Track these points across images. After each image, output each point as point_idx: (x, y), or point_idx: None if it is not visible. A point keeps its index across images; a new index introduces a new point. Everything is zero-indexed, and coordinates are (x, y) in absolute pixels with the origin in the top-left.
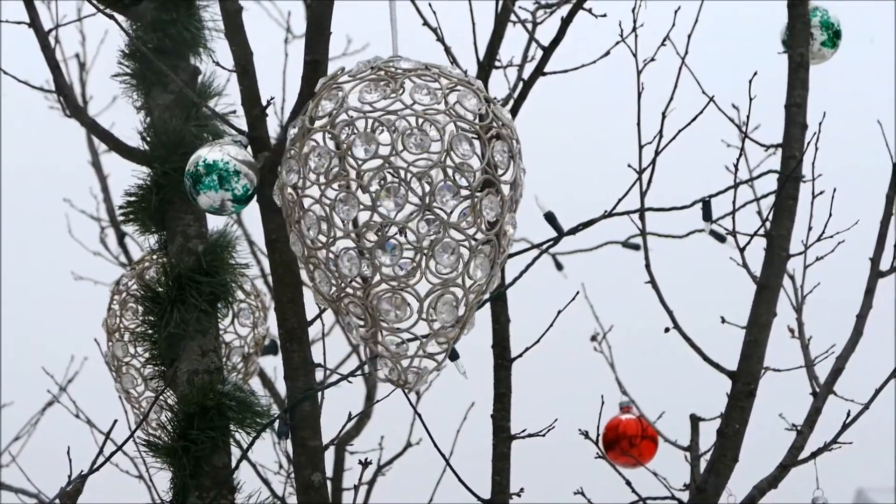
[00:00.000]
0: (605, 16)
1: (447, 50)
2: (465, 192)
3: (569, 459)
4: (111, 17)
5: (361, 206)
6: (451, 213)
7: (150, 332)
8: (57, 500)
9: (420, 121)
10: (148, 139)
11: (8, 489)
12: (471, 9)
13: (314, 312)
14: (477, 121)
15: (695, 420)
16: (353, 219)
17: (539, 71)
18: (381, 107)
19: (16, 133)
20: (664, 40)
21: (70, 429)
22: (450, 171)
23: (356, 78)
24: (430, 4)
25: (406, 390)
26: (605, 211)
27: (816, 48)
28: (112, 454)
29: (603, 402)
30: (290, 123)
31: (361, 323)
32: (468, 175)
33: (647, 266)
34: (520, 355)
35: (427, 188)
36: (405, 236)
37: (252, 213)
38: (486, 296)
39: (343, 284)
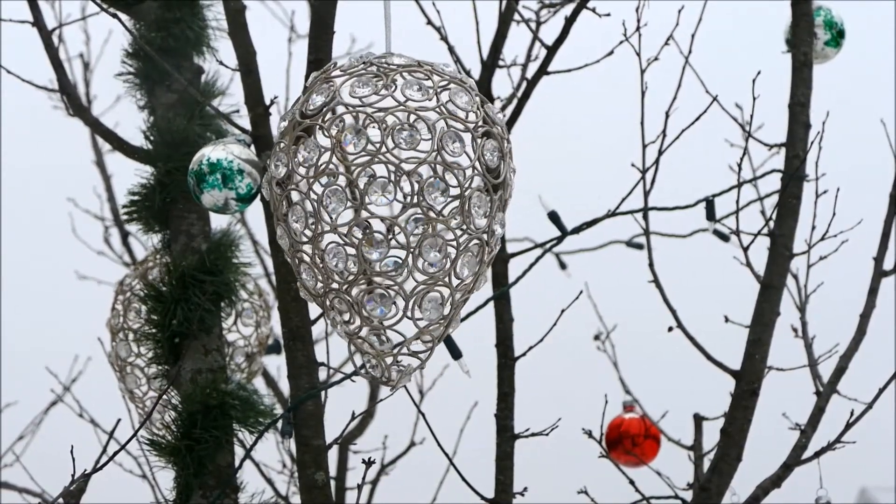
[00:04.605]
0: (608, 15)
1: (451, 49)
2: (454, 191)
3: (572, 459)
4: (115, 16)
5: (349, 202)
6: (441, 210)
7: (153, 331)
8: (60, 500)
9: (411, 118)
10: (151, 138)
11: (11, 488)
12: (474, 8)
13: (317, 311)
14: (468, 118)
15: (698, 419)
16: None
17: (542, 70)
18: (371, 102)
19: (19, 132)
20: (668, 40)
21: (73, 428)
22: (440, 169)
23: (347, 73)
24: (433, 3)
25: (389, 387)
26: (609, 210)
27: (820, 48)
28: (115, 453)
29: (606, 402)
30: (282, 118)
31: (346, 318)
32: (458, 172)
33: (651, 265)
34: (523, 354)
35: (416, 185)
36: (393, 234)
37: (255, 212)
38: (473, 294)
39: (329, 280)
